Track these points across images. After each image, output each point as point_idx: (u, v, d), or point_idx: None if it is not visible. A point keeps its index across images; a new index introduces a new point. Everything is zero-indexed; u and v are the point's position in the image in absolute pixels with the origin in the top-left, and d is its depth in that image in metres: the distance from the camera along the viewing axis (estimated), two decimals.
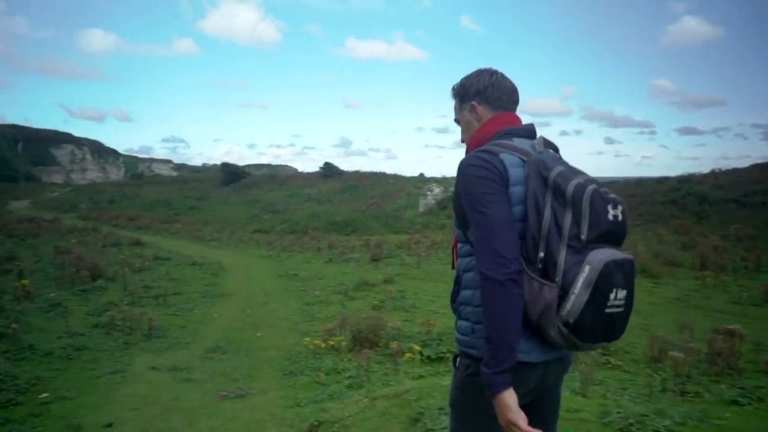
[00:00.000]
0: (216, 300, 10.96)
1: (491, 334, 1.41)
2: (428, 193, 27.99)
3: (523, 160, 1.53)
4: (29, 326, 7.21)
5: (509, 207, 1.48)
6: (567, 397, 4.42)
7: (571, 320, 1.36)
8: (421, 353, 6.26)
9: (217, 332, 8.28)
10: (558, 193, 1.43)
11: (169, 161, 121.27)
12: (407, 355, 6.16)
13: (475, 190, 1.49)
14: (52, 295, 10.10)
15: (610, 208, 1.40)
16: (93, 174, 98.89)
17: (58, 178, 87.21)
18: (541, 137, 1.64)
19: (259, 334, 8.18)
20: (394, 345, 6.07)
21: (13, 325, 6.31)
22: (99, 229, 25.74)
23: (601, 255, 1.36)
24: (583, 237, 1.38)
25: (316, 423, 4.16)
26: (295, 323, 8.94)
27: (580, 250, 1.38)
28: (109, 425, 4.40)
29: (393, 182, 45.69)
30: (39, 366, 5.71)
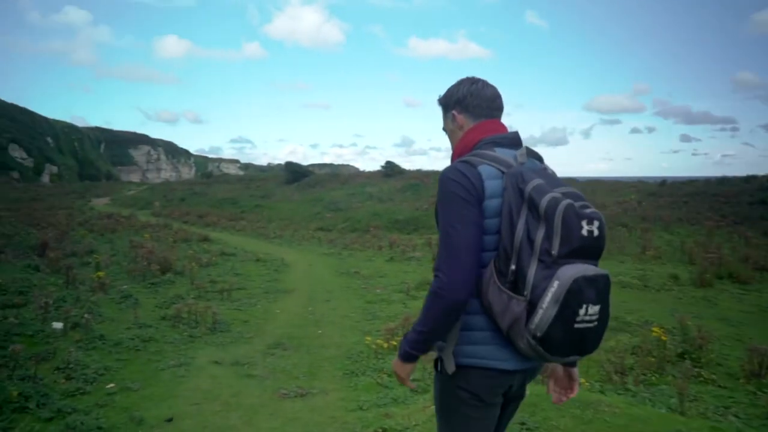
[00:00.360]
0: (278, 296, 10.97)
1: (422, 330, 1.60)
2: None
3: (503, 172, 1.53)
4: (102, 316, 7.39)
5: (477, 228, 1.50)
6: (662, 415, 3.91)
7: (538, 334, 1.38)
8: None
9: (279, 328, 8.20)
10: (533, 206, 1.42)
11: (236, 161, 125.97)
12: None
13: (448, 206, 1.52)
14: (124, 287, 10.43)
15: (584, 223, 1.38)
16: (166, 173, 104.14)
17: (135, 177, 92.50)
18: (525, 147, 1.61)
19: (320, 332, 8.02)
20: None
21: (86, 315, 6.44)
22: (170, 226, 26.74)
23: (571, 271, 1.35)
24: (553, 252, 1.37)
25: (380, 430, 3.87)
26: (356, 321, 8.73)
27: (550, 264, 1.38)
28: (170, 420, 4.32)
29: None
30: (108, 356, 5.79)
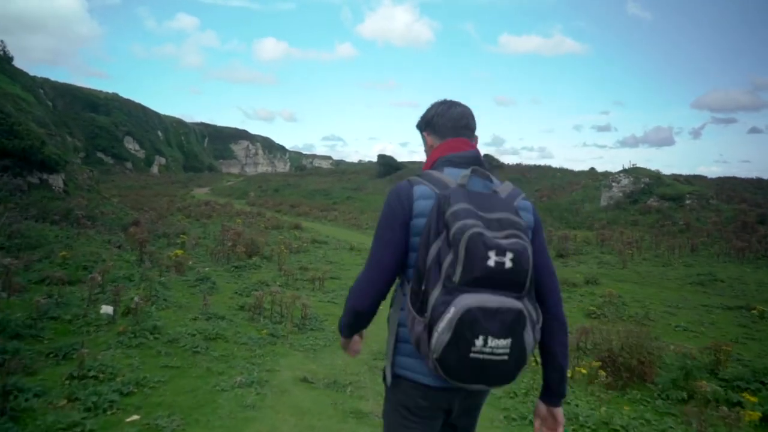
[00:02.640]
0: None
1: (343, 320, 1.65)
2: (614, 184, 23.71)
3: (436, 193, 1.46)
4: (166, 302, 5.86)
5: (394, 248, 1.48)
6: None
7: (434, 356, 1.32)
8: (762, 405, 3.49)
9: (385, 329, 6.26)
10: (447, 231, 1.34)
11: (328, 157, 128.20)
12: (722, 407, 3.44)
13: (381, 219, 1.52)
14: (206, 269, 9.07)
15: (491, 254, 1.26)
16: (263, 167, 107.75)
17: (235, 170, 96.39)
18: (473, 168, 1.47)
19: None
20: (702, 385, 3.39)
21: (136, 299, 4.84)
22: (263, 214, 26.16)
23: (468, 300, 1.26)
24: (454, 279, 1.29)
25: None
26: None
27: (451, 290, 1.29)
28: None
29: (560, 176, 41.38)
30: (153, 359, 4.13)
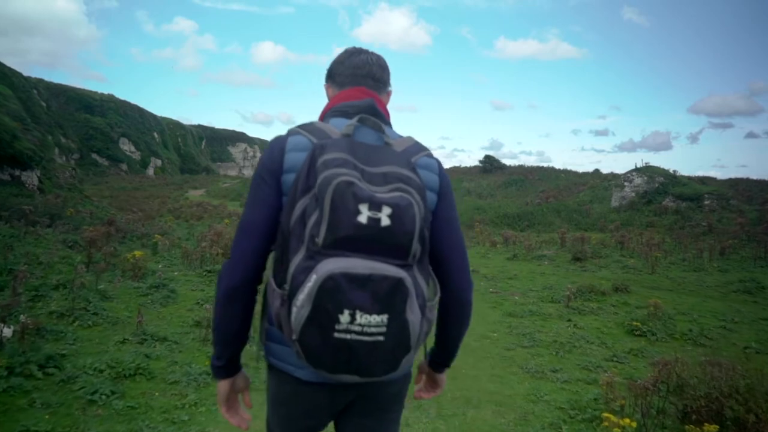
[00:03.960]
0: None
1: (213, 326, 1.23)
2: (626, 184, 22.39)
3: (313, 143, 1.18)
4: (97, 315, 4.55)
5: (266, 208, 1.18)
6: None
7: (293, 336, 1.03)
8: None
9: None
10: (315, 183, 1.07)
11: None
12: None
13: (253, 176, 1.24)
14: (174, 273, 7.76)
15: (364, 208, 0.99)
16: None
17: (233, 172, 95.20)
18: (361, 116, 1.19)
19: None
20: None
21: (24, 320, 3.47)
22: None
23: (331, 265, 0.98)
24: (318, 240, 1.01)
25: None
26: (505, 348, 5.27)
27: (314, 254, 1.01)
28: None
29: (564, 177, 40.19)
30: (9, 422, 2.76)
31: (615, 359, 4.87)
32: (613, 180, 25.82)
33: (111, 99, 74.79)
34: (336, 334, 0.98)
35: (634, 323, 5.93)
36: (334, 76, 1.37)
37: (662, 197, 21.06)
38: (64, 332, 3.92)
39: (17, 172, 17.01)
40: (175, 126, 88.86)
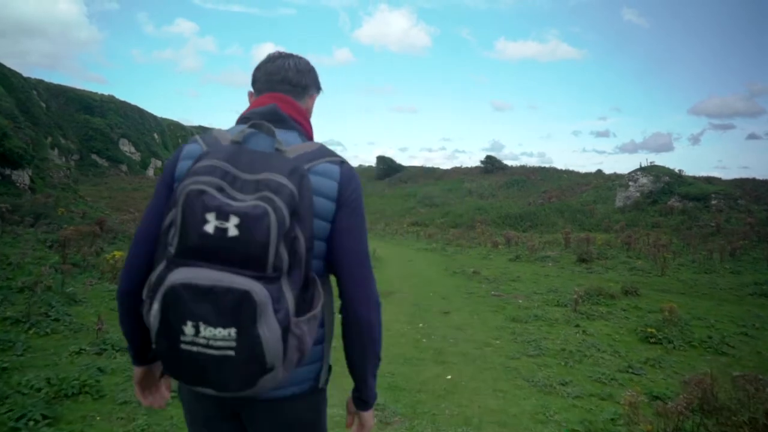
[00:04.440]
0: None
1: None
2: (631, 184, 21.92)
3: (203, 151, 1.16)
4: (58, 322, 4.12)
5: (156, 215, 1.15)
6: None
7: (153, 345, 1.03)
8: None
9: (393, 344, 4.52)
10: None
11: None
12: None
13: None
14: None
15: (211, 217, 0.96)
16: None
17: None
18: (254, 122, 1.16)
19: (449, 377, 4.20)
20: None
21: None
22: None
23: (176, 276, 0.96)
24: (170, 248, 1.01)
25: None
26: (509, 356, 4.82)
27: (169, 264, 1.00)
28: None
29: (567, 177, 39.75)
30: None
31: (630, 370, 4.42)
32: (616, 180, 25.38)
33: (111, 100, 74.51)
34: (182, 346, 0.97)
35: (649, 329, 5.48)
36: (254, 82, 1.34)
37: (668, 197, 20.60)
38: (13, 341, 3.50)
39: (7, 171, 16.61)
40: (175, 127, 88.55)
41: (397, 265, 11.80)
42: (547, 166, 46.76)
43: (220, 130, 1.19)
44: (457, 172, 50.75)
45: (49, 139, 38.64)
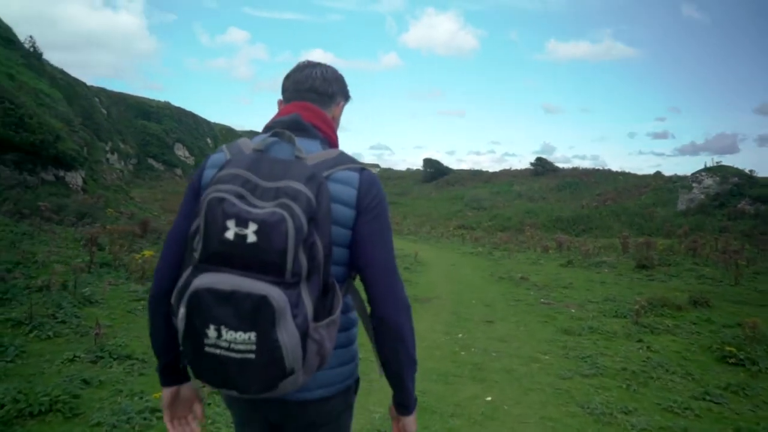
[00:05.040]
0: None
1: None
2: (694, 185, 20.42)
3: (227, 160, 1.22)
4: (65, 324, 3.83)
5: (186, 220, 1.20)
6: None
7: (180, 348, 1.08)
8: None
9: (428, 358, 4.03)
10: None
11: (376, 165, 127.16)
12: None
13: None
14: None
15: (231, 224, 0.99)
16: None
17: None
18: (276, 131, 1.20)
19: (488, 398, 3.64)
20: None
21: None
22: None
23: (201, 281, 1.00)
24: (196, 255, 1.04)
25: None
26: (559, 375, 4.20)
27: (195, 269, 1.04)
28: None
29: (623, 179, 37.86)
30: None
31: (708, 398, 3.72)
32: (678, 182, 23.78)
33: (167, 106, 77.33)
34: (207, 349, 1.00)
35: (727, 348, 4.71)
36: (283, 92, 1.37)
37: (737, 199, 19.03)
38: (6, 345, 3.23)
39: (61, 173, 17.09)
40: (227, 132, 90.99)
41: (438, 269, 11.23)
42: (601, 168, 44.62)
43: (244, 140, 1.21)
44: (506, 174, 49.45)
45: (109, 144, 40.25)
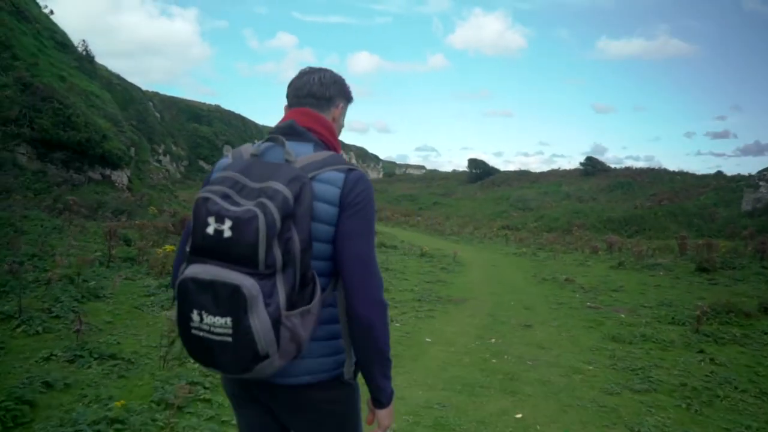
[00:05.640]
0: (439, 308, 6.36)
1: None
2: (761, 184, 18.85)
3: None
4: (59, 319, 3.55)
5: None
6: None
7: (176, 331, 1.23)
8: None
9: (423, 385, 3.56)
10: None
11: (422, 167, 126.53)
12: None
13: None
14: None
15: (211, 220, 1.11)
16: None
17: None
18: (270, 136, 1.33)
19: (518, 415, 3.13)
20: None
21: None
22: None
23: (188, 271, 1.13)
24: (188, 248, 1.18)
25: None
26: (604, 390, 3.63)
27: (188, 261, 1.17)
28: None
29: (680, 179, 35.78)
30: None
31: None
32: (742, 181, 22.11)
33: (217, 109, 79.56)
34: (192, 331, 1.10)
35: None
36: (287, 97, 1.43)
37: None
38: None
39: (107, 171, 17.48)
40: None
41: (478, 269, 10.66)
42: (656, 167, 42.50)
43: (247, 145, 1.33)
44: (554, 174, 47.84)
45: (162, 146, 41.57)
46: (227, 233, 1.06)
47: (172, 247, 6.77)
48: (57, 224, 7.77)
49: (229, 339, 1.06)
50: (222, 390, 1.32)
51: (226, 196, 1.10)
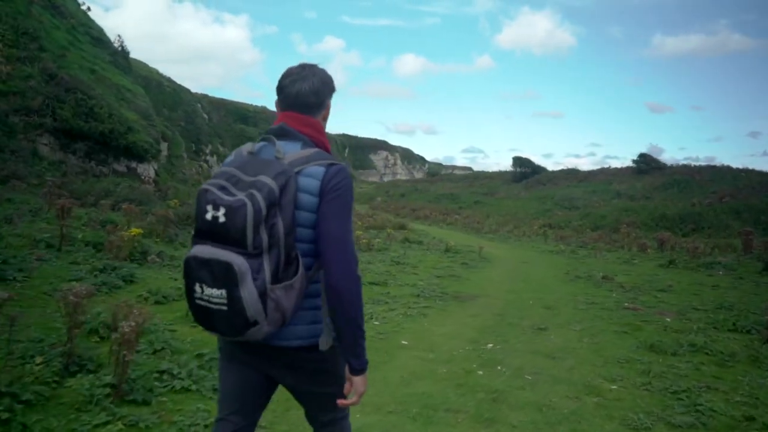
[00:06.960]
0: (438, 304, 5.36)
1: None
2: None
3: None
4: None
5: None
6: None
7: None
8: None
9: (367, 406, 2.59)
10: None
11: (468, 168, 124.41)
12: None
13: None
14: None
15: (209, 208, 1.33)
16: (402, 177, 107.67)
17: (374, 179, 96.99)
18: (264, 136, 1.52)
19: None
20: None
21: None
22: (376, 216, 23.52)
23: (192, 250, 1.35)
24: (193, 232, 1.41)
25: None
26: (629, 424, 2.52)
27: (192, 242, 1.39)
28: None
29: (745, 176, 32.92)
30: None
31: None
32: None
33: (263, 110, 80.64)
34: (196, 301, 1.32)
35: None
36: (277, 102, 1.58)
37: None
38: None
39: (133, 164, 17.27)
40: None
41: (504, 266, 9.51)
42: (717, 165, 39.58)
43: (248, 144, 1.50)
44: (604, 173, 45.29)
45: (210, 146, 42.02)
46: (222, 219, 1.27)
47: (139, 231, 6.04)
48: (35, 207, 7.22)
49: (225, 308, 1.27)
50: None
51: (222, 188, 1.30)
